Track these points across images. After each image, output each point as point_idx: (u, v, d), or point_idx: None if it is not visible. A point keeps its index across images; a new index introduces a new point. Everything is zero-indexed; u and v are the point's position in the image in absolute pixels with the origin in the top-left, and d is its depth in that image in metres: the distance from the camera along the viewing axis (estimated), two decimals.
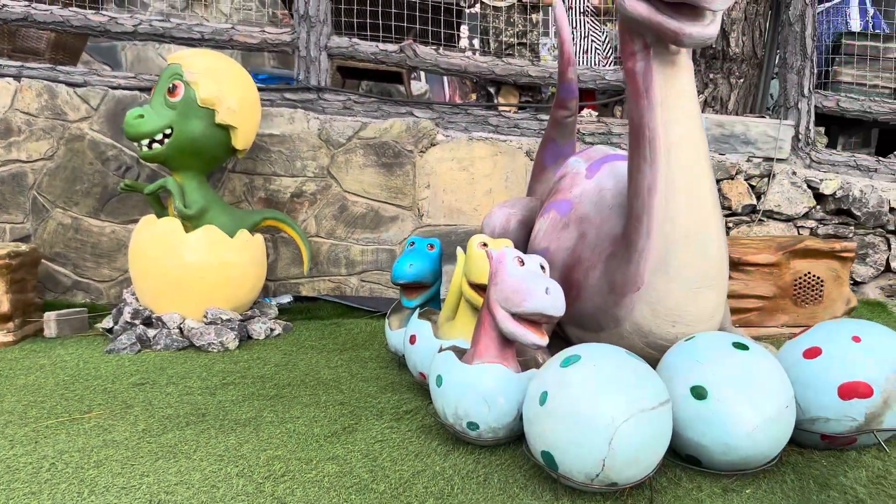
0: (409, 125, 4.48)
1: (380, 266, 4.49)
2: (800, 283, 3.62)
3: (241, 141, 3.74)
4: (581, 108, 4.92)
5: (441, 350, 2.21)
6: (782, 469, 1.90)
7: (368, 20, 4.76)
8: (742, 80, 4.83)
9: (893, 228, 4.48)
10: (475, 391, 2.01)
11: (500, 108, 4.87)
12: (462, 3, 5.19)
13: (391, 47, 4.67)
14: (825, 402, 1.92)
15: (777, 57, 4.85)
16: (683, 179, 2.04)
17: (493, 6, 5.02)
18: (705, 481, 1.85)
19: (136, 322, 3.51)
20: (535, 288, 1.92)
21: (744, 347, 1.89)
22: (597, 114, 4.84)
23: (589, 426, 1.65)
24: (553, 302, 1.91)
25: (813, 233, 4.48)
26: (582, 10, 5.13)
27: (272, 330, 3.72)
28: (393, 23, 4.79)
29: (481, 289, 2.41)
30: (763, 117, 4.69)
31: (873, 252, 4.48)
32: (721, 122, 4.54)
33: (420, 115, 4.65)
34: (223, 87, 3.60)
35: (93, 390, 2.76)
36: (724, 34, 4.75)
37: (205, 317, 3.57)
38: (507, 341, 2.05)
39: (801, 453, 1.99)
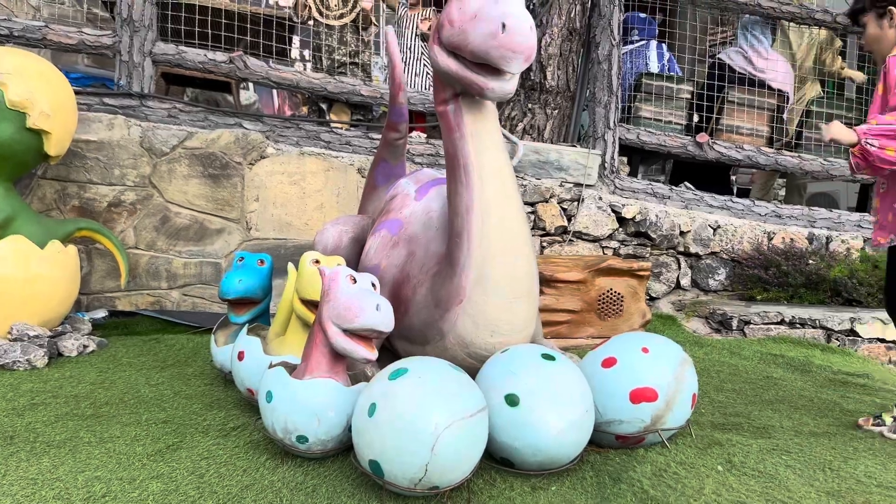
0: (238, 136, 4.43)
1: (204, 280, 4.40)
2: (603, 299, 4.00)
3: (54, 147, 3.54)
4: (410, 130, 5.09)
5: (271, 366, 2.25)
6: (583, 467, 2.13)
7: (197, 28, 4.65)
8: (557, 111, 5.24)
9: (683, 250, 5.05)
10: (306, 406, 2.07)
11: (332, 124, 4.93)
12: (295, 19, 5.20)
13: (220, 57, 4.61)
14: (619, 406, 2.17)
15: (587, 91, 5.31)
16: (495, 200, 2.27)
17: (327, 24, 5.07)
18: (517, 481, 2.03)
19: None
20: (366, 305, 2.02)
21: (551, 358, 2.09)
22: (426, 136, 5.04)
23: (413, 434, 1.77)
24: (383, 318, 2.02)
25: (616, 252, 4.94)
26: (416, 33, 5.31)
27: (85, 346, 3.53)
28: (223, 33, 4.71)
29: (313, 305, 2.47)
30: (574, 146, 5.12)
31: (666, 271, 5.02)
32: (538, 149, 4.90)
33: (250, 128, 4.61)
34: (35, 90, 3.39)
35: None
36: (541, 68, 5.13)
37: (9, 333, 3.32)
38: (337, 356, 2.12)
39: (598, 452, 2.23)
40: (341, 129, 4.88)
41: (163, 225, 4.32)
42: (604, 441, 2.25)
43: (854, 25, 2.75)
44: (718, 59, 5.63)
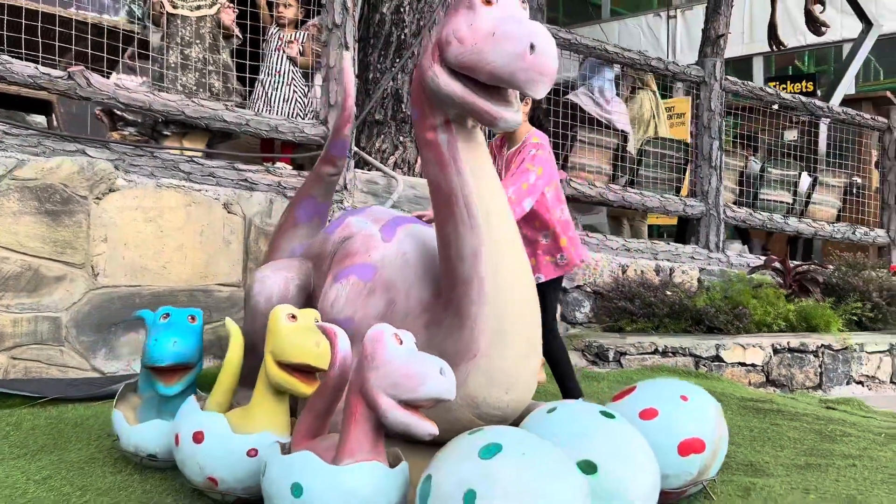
0: (82, 166, 3.74)
1: (40, 338, 3.62)
2: None
3: None
4: (274, 161, 4.68)
5: (286, 450, 1.81)
6: None
7: (24, 35, 3.87)
8: None
9: None
10: (353, 497, 1.67)
11: (189, 153, 4.35)
12: (148, 24, 4.51)
13: (56, 72, 3.86)
14: (666, 461, 2.03)
15: None
16: (506, 243, 2.13)
17: (182, 15, 4.40)
18: None
19: None
20: (429, 370, 1.69)
21: (611, 416, 1.92)
22: (292, 167, 4.64)
23: None
24: (448, 384, 1.71)
25: None
26: (285, 55, 4.87)
27: None
28: (57, 43, 3.97)
29: (294, 369, 2.07)
30: None
31: None
32: (414, 184, 4.73)
33: (95, 155, 3.91)
34: None
35: None
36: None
37: None
38: (379, 433, 1.76)
39: None
40: (201, 157, 4.32)
41: None
42: None
43: None
44: (570, 99, 5.87)
